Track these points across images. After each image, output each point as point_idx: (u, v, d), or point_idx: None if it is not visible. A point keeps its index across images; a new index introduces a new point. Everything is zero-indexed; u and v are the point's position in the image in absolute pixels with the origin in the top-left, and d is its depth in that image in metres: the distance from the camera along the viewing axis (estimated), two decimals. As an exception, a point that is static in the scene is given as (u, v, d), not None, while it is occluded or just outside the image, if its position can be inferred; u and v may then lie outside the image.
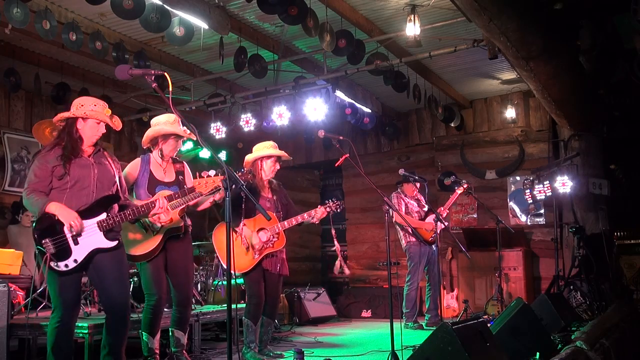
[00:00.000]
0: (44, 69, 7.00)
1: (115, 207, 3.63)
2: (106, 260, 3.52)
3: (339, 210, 4.94)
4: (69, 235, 3.39)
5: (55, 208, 3.39)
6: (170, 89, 3.01)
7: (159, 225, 4.08)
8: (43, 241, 3.35)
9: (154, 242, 4.10)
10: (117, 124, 3.66)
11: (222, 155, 8.89)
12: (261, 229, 4.73)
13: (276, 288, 4.90)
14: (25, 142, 7.91)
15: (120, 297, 3.57)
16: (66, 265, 3.39)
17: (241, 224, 4.66)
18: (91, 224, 3.47)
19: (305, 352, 4.13)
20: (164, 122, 4.27)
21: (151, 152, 4.33)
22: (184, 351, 4.38)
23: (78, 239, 3.42)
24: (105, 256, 3.51)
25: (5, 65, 6.70)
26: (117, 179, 3.69)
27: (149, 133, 4.27)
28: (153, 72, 3.06)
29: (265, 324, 4.87)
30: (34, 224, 3.42)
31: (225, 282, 6.83)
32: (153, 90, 4.41)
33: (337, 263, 5.14)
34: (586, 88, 6.62)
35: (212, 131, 8.18)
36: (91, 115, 3.54)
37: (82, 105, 3.56)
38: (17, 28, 5.15)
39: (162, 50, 7.02)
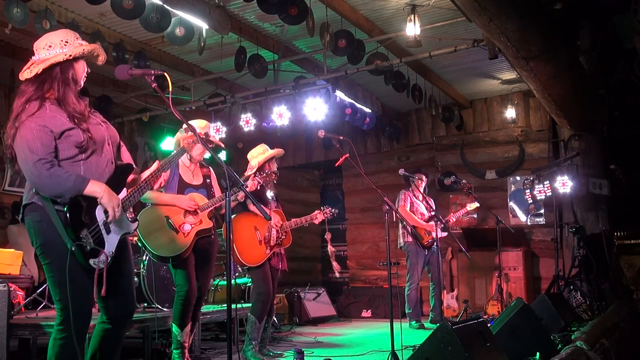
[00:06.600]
0: (44, 69, 6.99)
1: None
2: (124, 248, 2.86)
3: (332, 217, 5.17)
4: (101, 223, 2.66)
5: (98, 188, 2.60)
6: (170, 89, 3.00)
7: (189, 226, 4.15)
8: (82, 234, 2.57)
9: (185, 243, 4.13)
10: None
11: (222, 156, 8.88)
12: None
13: (275, 284, 5.04)
14: (25, 142, 7.90)
15: (131, 294, 2.93)
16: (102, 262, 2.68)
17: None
18: None
19: (305, 352, 4.14)
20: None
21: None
22: (186, 351, 4.38)
23: (110, 225, 2.71)
24: (124, 243, 2.85)
25: (5, 65, 6.70)
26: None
27: (176, 138, 4.40)
28: (153, 72, 3.04)
29: (265, 321, 4.96)
30: (65, 209, 2.56)
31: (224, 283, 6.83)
32: (153, 90, 4.42)
33: (334, 263, 5.31)
34: (586, 88, 6.62)
35: (212, 131, 8.17)
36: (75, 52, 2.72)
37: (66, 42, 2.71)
38: (17, 28, 5.15)
39: (162, 50, 7.01)
